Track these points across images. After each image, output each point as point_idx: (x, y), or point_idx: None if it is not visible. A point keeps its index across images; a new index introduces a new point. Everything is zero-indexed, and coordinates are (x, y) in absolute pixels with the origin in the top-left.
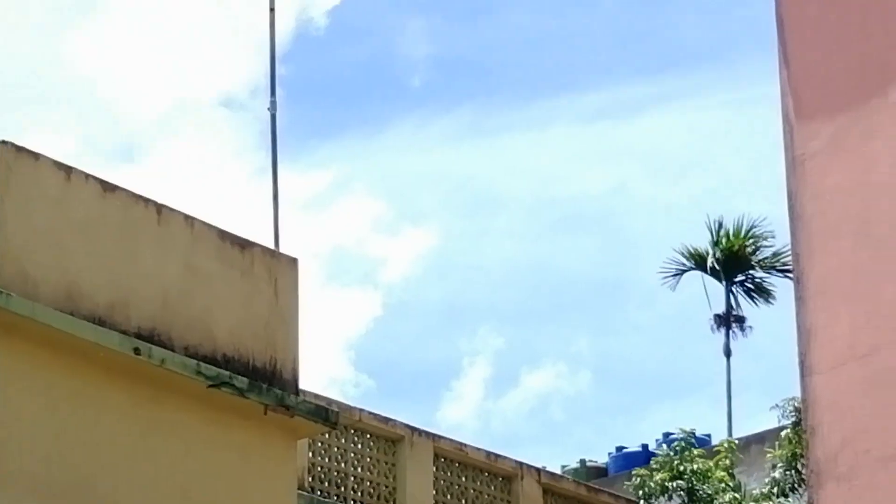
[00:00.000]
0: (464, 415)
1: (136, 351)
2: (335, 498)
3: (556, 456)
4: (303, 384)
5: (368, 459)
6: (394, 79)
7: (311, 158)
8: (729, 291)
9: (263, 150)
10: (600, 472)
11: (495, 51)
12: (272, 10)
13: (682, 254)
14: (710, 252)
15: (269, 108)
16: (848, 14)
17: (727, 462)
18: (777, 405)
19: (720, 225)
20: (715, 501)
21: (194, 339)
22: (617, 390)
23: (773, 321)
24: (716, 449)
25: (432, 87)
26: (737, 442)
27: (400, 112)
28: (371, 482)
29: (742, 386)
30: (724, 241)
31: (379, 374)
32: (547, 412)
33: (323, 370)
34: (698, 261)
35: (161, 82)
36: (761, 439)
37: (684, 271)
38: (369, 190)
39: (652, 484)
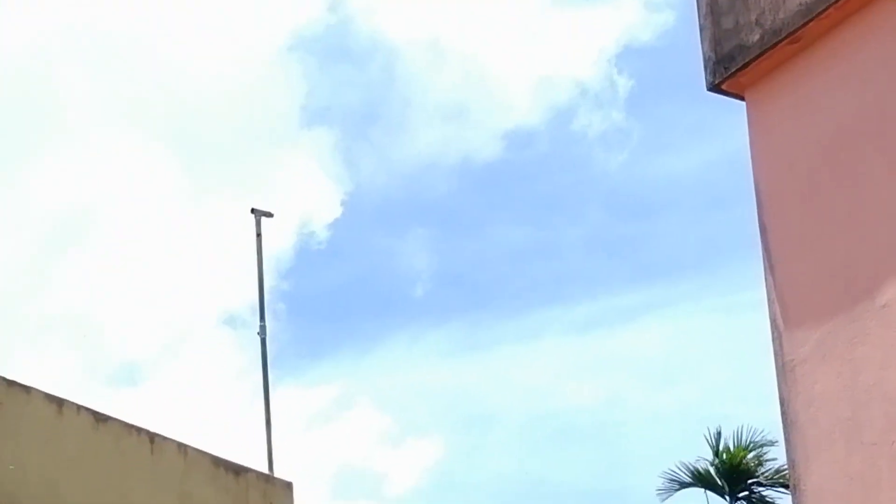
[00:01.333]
0: None
1: None
2: None
3: None
4: None
5: None
6: (393, 291)
7: (314, 373)
8: None
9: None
10: None
11: (485, 263)
12: (258, 234)
13: (681, 468)
14: (711, 465)
15: (258, 333)
16: (831, 219)
17: None
18: None
19: (719, 435)
20: None
21: None
22: None
23: None
24: None
25: (429, 299)
26: None
27: (397, 325)
28: None
29: None
30: (724, 454)
31: None
32: None
33: None
34: (698, 476)
35: (161, 302)
36: None
37: (684, 486)
38: (372, 404)
39: None
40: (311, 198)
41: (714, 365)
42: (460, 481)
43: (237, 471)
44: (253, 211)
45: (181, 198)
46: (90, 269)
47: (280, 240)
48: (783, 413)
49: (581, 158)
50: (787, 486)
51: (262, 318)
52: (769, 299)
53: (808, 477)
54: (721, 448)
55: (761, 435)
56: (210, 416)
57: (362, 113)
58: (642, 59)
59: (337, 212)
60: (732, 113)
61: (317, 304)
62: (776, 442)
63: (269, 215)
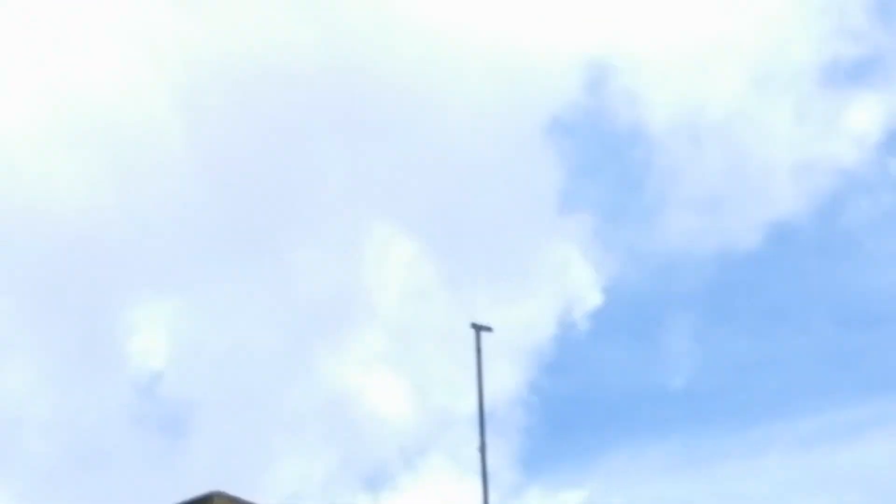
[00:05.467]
0: None
1: None
2: None
3: None
4: None
5: None
6: (648, 387)
7: (566, 475)
8: None
9: (515, 470)
10: None
11: (707, 376)
12: (478, 350)
13: None
14: None
15: (478, 449)
16: None
17: None
18: None
19: None
20: None
21: None
22: None
23: None
24: None
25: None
26: None
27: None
28: None
29: None
30: None
31: None
32: None
33: None
34: None
35: (412, 399)
36: None
37: None
38: None
39: None
40: (571, 285)
41: None
42: None
43: None
44: (473, 326)
45: (437, 287)
46: (347, 360)
47: (539, 330)
48: None
49: (842, 251)
50: None
51: (481, 434)
52: None
53: None
54: None
55: None
56: None
57: (619, 199)
58: None
59: (597, 299)
60: None
61: (565, 403)
62: None
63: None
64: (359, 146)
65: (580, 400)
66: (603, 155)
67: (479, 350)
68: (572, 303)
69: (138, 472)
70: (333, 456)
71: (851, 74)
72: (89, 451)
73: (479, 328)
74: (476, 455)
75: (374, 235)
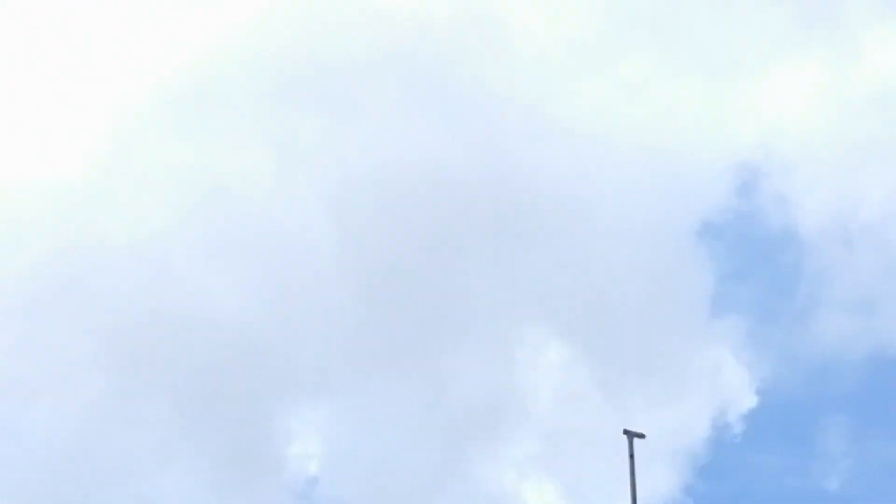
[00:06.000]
0: None
1: None
2: None
3: None
4: None
5: None
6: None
7: None
8: None
9: None
10: None
11: (862, 479)
12: (631, 456)
13: None
14: None
15: None
16: None
17: None
18: None
19: None
20: None
21: None
22: None
23: None
24: None
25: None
26: None
27: None
28: None
29: None
30: None
31: None
32: None
33: None
34: None
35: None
36: None
37: None
38: None
39: None
40: (724, 387)
41: None
42: None
43: None
44: (626, 432)
45: (590, 391)
46: (501, 464)
47: (693, 433)
48: None
49: None
50: None
51: None
52: None
53: None
54: None
55: None
56: None
57: (771, 302)
58: None
59: (751, 402)
60: None
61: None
62: None
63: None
64: (511, 251)
65: (735, 503)
66: (754, 257)
67: (631, 456)
68: (726, 405)
69: None
70: None
71: None
72: None
73: (631, 435)
74: None
75: (526, 339)
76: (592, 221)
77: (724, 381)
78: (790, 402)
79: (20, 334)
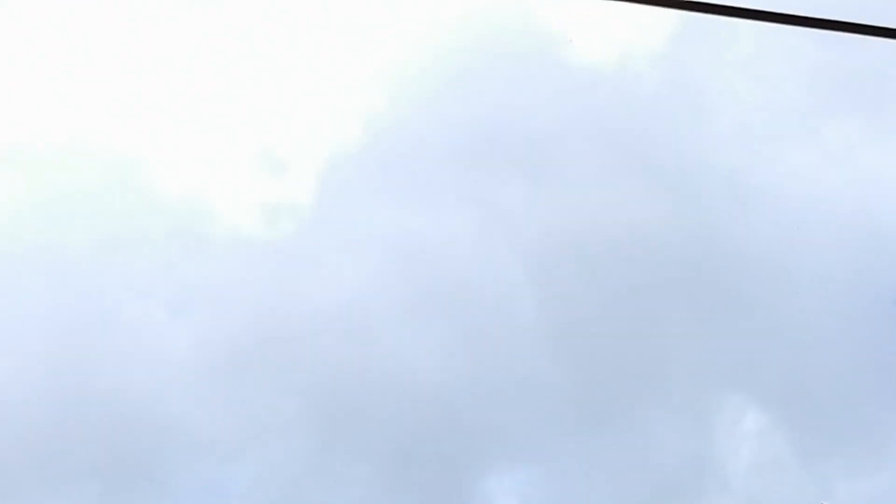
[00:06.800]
0: None
1: None
2: None
3: None
4: None
5: None
6: None
7: None
8: None
9: None
10: None
11: None
12: None
13: None
14: None
15: None
16: None
17: None
18: None
19: None
20: None
21: None
22: None
23: None
24: None
25: None
26: None
27: None
28: None
29: None
30: None
31: None
32: None
33: None
34: None
35: None
36: None
37: None
38: None
39: None
40: None
41: None
42: None
43: None
44: None
45: (788, 459)
46: None
47: (893, 501)
48: None
49: None
50: None
51: None
52: None
53: None
54: None
55: None
56: None
57: None
58: None
59: None
60: None
61: None
62: None
63: None
64: (710, 316)
65: None
66: None
67: None
68: None
69: None
70: None
71: None
72: None
73: None
74: None
75: (724, 405)
76: (794, 287)
77: None
78: None
79: (225, 393)
